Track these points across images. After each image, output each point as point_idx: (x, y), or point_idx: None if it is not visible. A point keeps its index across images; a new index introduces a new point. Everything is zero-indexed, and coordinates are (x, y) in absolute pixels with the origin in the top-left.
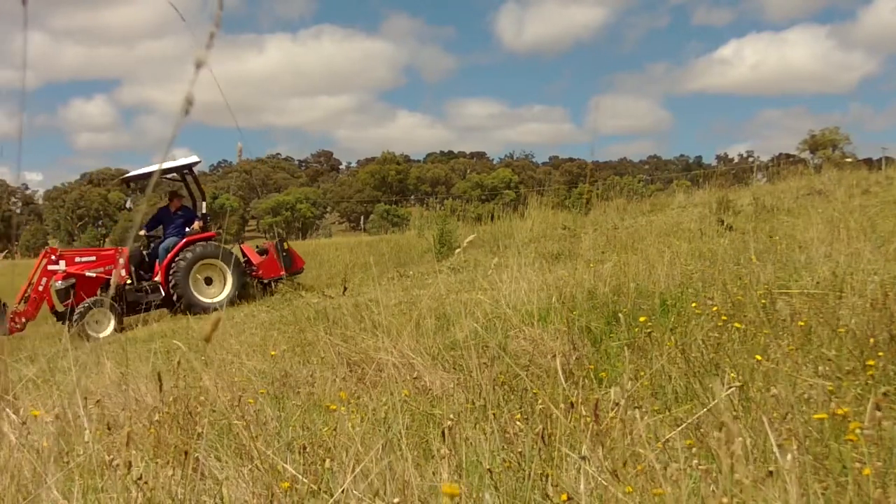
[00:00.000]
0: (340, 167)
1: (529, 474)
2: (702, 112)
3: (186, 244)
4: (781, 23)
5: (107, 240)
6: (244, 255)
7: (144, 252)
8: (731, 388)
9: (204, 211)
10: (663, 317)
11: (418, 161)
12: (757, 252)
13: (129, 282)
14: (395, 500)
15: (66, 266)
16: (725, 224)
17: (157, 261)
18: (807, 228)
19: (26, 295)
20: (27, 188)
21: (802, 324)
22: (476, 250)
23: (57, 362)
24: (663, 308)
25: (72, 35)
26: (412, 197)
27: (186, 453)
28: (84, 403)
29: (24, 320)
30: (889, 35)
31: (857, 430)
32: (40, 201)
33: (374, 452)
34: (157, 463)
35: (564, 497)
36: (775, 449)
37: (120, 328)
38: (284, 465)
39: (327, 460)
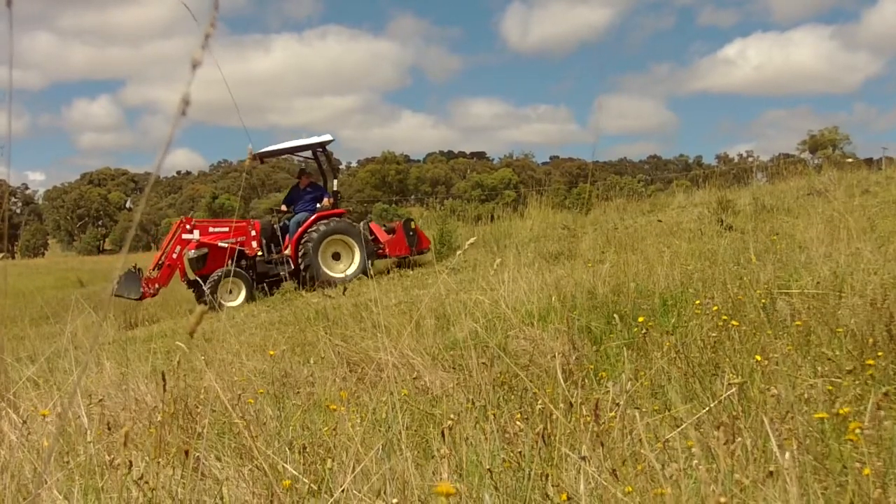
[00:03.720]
0: (340, 167)
1: (529, 474)
2: (707, 112)
3: (317, 219)
4: (786, 23)
5: (107, 240)
6: (372, 232)
7: (276, 226)
8: (731, 388)
9: (335, 188)
10: (663, 317)
11: (418, 161)
12: (757, 252)
13: (259, 254)
14: (395, 500)
15: (200, 236)
16: (725, 224)
17: (288, 234)
18: (807, 228)
19: (160, 262)
20: (27, 188)
21: (800, 323)
22: (476, 250)
23: (57, 362)
24: (663, 308)
25: (80, 35)
26: (412, 197)
27: (187, 453)
28: (84, 403)
29: (157, 286)
30: (893, 36)
31: (857, 430)
32: (40, 201)
33: (374, 452)
34: (157, 463)
35: (564, 497)
36: (775, 449)
37: (249, 298)
38: (285, 464)
39: (327, 460)
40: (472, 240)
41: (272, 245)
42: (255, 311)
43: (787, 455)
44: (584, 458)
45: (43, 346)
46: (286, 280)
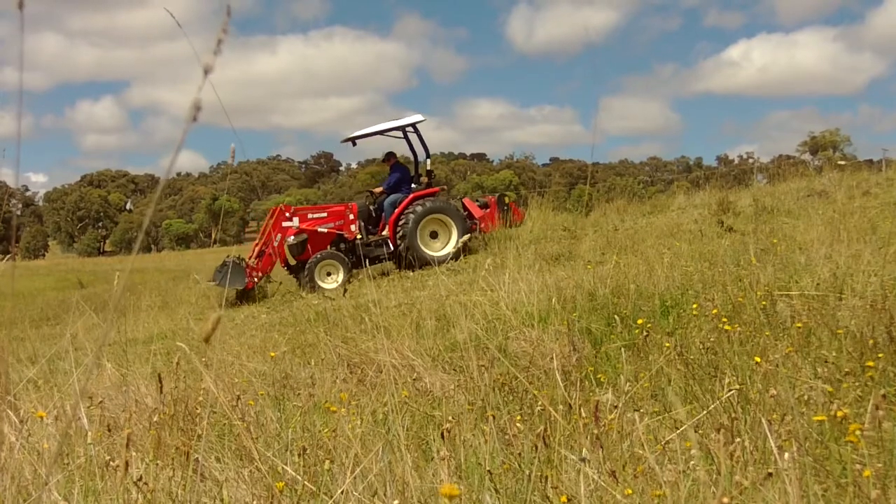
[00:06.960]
0: (340, 168)
1: (529, 476)
2: (711, 113)
3: (413, 199)
4: (790, 25)
5: (107, 241)
6: (465, 208)
7: (372, 208)
8: (730, 390)
9: (429, 167)
10: (663, 318)
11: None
12: (757, 253)
13: (358, 236)
14: (395, 502)
15: (299, 223)
16: (725, 225)
17: (384, 215)
18: (807, 230)
19: (261, 250)
20: (27, 189)
21: (800, 325)
22: (476, 252)
23: (57, 364)
24: (663, 310)
25: (87, 37)
26: None
27: (187, 454)
28: (84, 405)
29: (260, 274)
30: None
31: (857, 432)
32: (40, 203)
33: (374, 454)
34: (157, 464)
35: (564, 499)
36: (775, 450)
37: (349, 280)
38: (284, 466)
39: (327, 462)
40: (466, 236)
41: (370, 227)
42: (256, 312)
43: (787, 456)
44: (583, 460)
45: (43, 347)
46: (387, 261)
